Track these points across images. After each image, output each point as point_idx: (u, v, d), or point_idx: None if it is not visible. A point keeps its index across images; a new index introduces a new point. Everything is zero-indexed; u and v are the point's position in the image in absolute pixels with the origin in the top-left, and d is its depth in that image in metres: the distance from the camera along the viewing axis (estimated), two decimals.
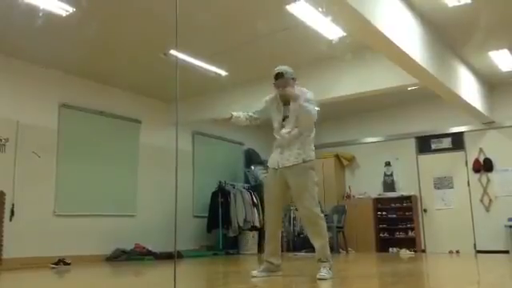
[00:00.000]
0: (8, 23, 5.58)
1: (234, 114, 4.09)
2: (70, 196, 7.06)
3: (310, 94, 3.91)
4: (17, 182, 6.41)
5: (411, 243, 9.30)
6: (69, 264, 6.08)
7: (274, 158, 3.97)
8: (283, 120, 3.96)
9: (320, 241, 3.75)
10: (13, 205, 6.34)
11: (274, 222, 3.97)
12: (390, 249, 9.43)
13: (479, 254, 8.43)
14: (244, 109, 7.81)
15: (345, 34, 5.96)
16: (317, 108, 3.94)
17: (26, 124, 6.62)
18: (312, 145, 3.96)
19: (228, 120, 4.11)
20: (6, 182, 6.30)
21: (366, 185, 10.15)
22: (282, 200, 4.00)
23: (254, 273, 3.87)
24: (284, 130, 3.92)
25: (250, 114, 4.18)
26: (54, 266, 5.92)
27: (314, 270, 3.77)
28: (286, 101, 3.97)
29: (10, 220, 6.29)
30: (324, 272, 3.61)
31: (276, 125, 4.00)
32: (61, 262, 6.05)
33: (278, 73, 3.89)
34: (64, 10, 5.27)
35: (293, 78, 3.93)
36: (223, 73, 7.38)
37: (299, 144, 3.87)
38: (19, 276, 4.91)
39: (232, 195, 9.07)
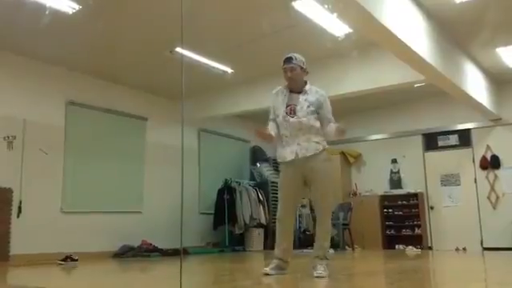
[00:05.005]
0: (15, 21, 5.62)
1: (273, 133, 3.81)
2: (77, 193, 7.10)
3: (327, 99, 3.81)
4: (24, 179, 6.45)
5: (418, 240, 9.27)
6: (76, 260, 6.11)
7: (288, 150, 3.72)
8: (287, 107, 3.76)
9: (326, 242, 3.71)
10: (20, 202, 6.38)
11: (288, 220, 3.83)
12: (397, 246, 9.41)
13: (486, 252, 8.39)
14: (250, 105, 7.90)
15: (351, 30, 5.94)
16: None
17: (33, 121, 6.66)
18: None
19: (272, 141, 3.88)
20: (13, 179, 6.35)
21: (372, 182, 10.13)
22: (298, 196, 3.88)
23: (267, 270, 3.74)
24: (293, 119, 3.70)
25: (275, 123, 3.88)
26: (61, 262, 5.95)
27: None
28: (294, 89, 3.83)
29: (18, 217, 6.34)
30: (321, 269, 3.56)
31: (282, 114, 3.76)
32: (68, 258, 6.07)
33: (288, 57, 3.79)
34: (70, 7, 5.30)
35: (302, 68, 3.80)
36: (229, 70, 7.38)
37: (314, 132, 3.70)
38: (27, 272, 4.94)
39: (238, 192, 9.08)
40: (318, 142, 3.72)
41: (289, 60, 3.79)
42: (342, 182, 10.20)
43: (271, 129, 3.84)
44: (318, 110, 3.75)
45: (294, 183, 3.77)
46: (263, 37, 6.23)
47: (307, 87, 3.83)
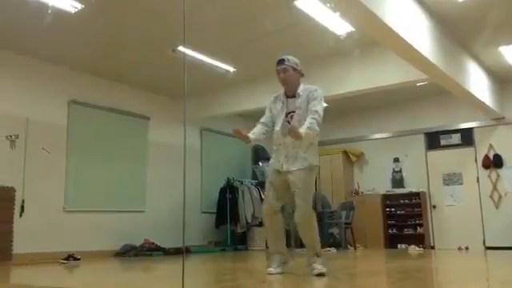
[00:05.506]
0: (17, 20, 5.63)
1: (251, 136, 3.81)
2: (80, 192, 7.11)
3: (317, 93, 3.73)
4: (27, 178, 6.47)
5: (420, 239, 9.26)
6: (78, 259, 6.13)
7: (278, 161, 3.77)
8: (287, 115, 3.76)
9: (314, 239, 3.71)
10: (23, 201, 6.40)
11: (272, 215, 3.80)
12: (399, 245, 9.40)
13: (488, 251, 8.38)
14: (252, 104, 7.87)
15: (353, 29, 5.94)
16: (324, 104, 3.85)
17: (35, 120, 6.67)
18: (316, 148, 3.79)
19: (249, 143, 3.88)
20: (16, 178, 6.37)
21: (374, 181, 10.12)
22: (284, 194, 3.79)
23: (271, 270, 3.75)
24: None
25: (264, 127, 3.91)
26: (63, 261, 5.97)
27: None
28: (289, 93, 3.82)
29: (20, 216, 6.35)
30: (319, 266, 3.57)
31: (281, 123, 3.77)
32: (70, 257, 6.10)
33: (280, 59, 3.79)
34: (73, 6, 5.31)
35: (295, 69, 3.78)
36: (231, 69, 7.38)
37: (304, 148, 3.67)
38: (29, 271, 4.95)
39: (240, 191, 9.09)
40: (305, 159, 3.66)
41: (281, 62, 3.79)
42: (344, 180, 10.22)
43: (255, 131, 3.85)
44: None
45: (280, 183, 3.77)
46: (265, 35, 6.23)
47: (300, 89, 3.80)
